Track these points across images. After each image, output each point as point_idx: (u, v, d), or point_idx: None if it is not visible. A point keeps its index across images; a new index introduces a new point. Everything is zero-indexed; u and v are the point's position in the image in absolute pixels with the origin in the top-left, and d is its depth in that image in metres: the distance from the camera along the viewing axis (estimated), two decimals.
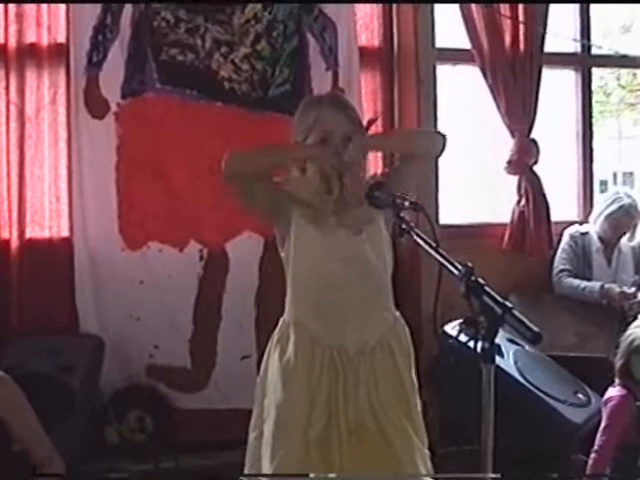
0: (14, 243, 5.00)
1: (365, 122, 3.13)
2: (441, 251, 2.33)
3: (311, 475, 2.85)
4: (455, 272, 2.20)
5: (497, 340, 4.72)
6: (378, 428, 2.89)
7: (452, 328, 4.46)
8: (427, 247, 2.38)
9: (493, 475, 2.11)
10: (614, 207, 5.58)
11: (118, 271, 5.12)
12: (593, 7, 6.18)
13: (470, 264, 2.18)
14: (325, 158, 2.92)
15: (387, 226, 3.03)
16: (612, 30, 7.71)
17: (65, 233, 5.12)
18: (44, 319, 5.01)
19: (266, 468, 2.89)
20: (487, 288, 2.11)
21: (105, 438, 5.00)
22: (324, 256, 2.95)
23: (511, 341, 4.87)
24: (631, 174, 15.34)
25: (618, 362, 4.26)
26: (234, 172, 3.05)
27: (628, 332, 4.31)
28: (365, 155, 3.07)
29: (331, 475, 2.86)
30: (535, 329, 1.98)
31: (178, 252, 5.20)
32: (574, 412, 4.66)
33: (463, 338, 2.20)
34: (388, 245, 3.07)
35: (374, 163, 5.50)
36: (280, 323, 3.06)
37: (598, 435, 4.22)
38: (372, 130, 3.22)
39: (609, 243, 5.63)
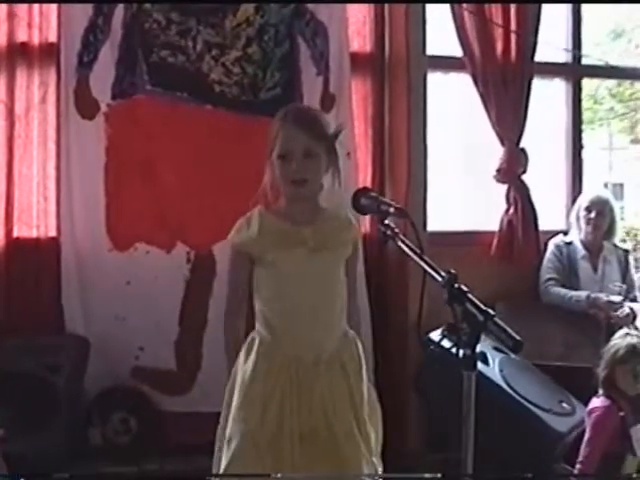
0: (1, 242, 4.99)
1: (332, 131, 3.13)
2: (425, 258, 2.34)
3: (279, 475, 2.90)
4: (438, 279, 2.21)
5: (483, 348, 4.77)
6: (329, 435, 2.95)
7: (437, 335, 4.46)
8: (411, 254, 2.38)
9: (429, 475, 2.12)
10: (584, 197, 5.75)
11: (105, 272, 5.11)
12: (584, 14, 6.20)
13: (453, 271, 2.18)
14: None
15: (350, 246, 3.13)
16: (602, 37, 7.74)
17: (52, 233, 5.11)
18: (30, 318, 4.99)
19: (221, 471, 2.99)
20: (470, 295, 2.11)
21: (89, 439, 4.99)
22: (282, 274, 3.02)
23: (497, 349, 4.88)
24: (621, 185, 15.36)
25: (602, 373, 4.28)
26: None
27: (611, 343, 4.33)
28: (327, 170, 3.09)
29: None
30: (517, 337, 1.99)
31: (165, 254, 5.19)
32: (558, 421, 4.67)
33: (446, 344, 2.20)
34: (347, 263, 3.15)
35: (363, 169, 5.54)
36: (251, 333, 3.13)
37: (583, 446, 4.23)
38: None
39: (593, 249, 5.66)
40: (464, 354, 2.10)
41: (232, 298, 3.15)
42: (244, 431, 2.94)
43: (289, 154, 2.97)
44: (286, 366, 2.97)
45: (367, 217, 4.84)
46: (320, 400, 2.96)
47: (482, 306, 2.08)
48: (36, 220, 5.08)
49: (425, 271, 2.28)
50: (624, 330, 4.50)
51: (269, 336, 3.03)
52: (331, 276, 3.07)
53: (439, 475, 2.16)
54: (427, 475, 2.11)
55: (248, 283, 3.10)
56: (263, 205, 3.11)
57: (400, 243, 2.48)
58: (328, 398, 2.97)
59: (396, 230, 2.57)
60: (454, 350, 2.13)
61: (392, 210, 2.63)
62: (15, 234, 5.04)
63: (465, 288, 2.14)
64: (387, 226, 2.60)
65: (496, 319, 2.03)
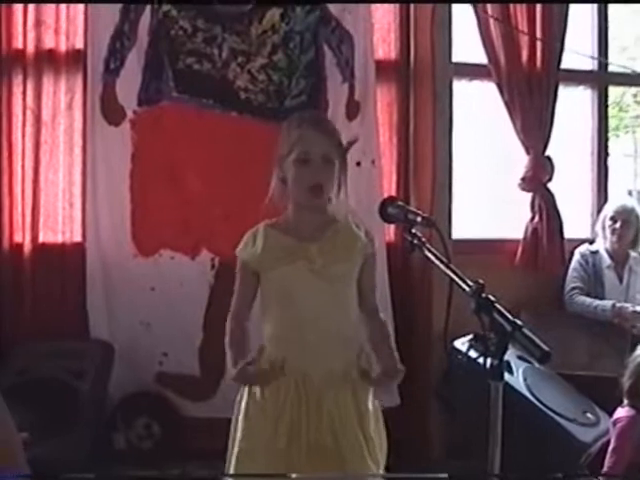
0: (27, 247, 5.03)
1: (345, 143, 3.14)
2: (452, 267, 2.33)
3: (293, 475, 2.90)
4: (466, 288, 2.20)
5: (507, 357, 4.72)
6: (337, 451, 2.93)
7: (462, 344, 4.45)
8: (438, 263, 2.37)
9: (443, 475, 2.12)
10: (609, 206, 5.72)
11: (129, 277, 5.14)
12: (610, 20, 6.17)
13: (481, 281, 2.17)
14: (254, 381, 2.97)
15: (361, 260, 3.07)
16: (628, 44, 7.70)
17: (78, 239, 5.15)
18: (55, 323, 5.02)
19: None
20: (497, 305, 2.10)
21: (112, 444, 5.01)
22: (288, 291, 3.00)
23: (521, 358, 4.85)
24: None
25: (627, 383, 4.25)
26: None
27: (636, 353, 4.30)
28: (344, 181, 3.06)
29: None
30: (544, 348, 1.98)
31: (190, 260, 5.21)
32: (583, 431, 4.65)
33: (473, 354, 2.20)
34: (361, 277, 3.09)
35: (388, 177, 5.53)
36: (257, 349, 3.11)
37: (607, 456, 4.21)
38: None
39: (619, 258, 5.63)
40: (491, 364, 2.09)
41: (236, 308, 3.13)
42: (254, 448, 2.94)
43: (309, 158, 2.95)
44: (294, 383, 2.95)
45: (391, 226, 4.84)
46: (328, 418, 2.94)
47: (510, 316, 2.07)
48: (62, 226, 5.12)
49: (452, 280, 2.28)
50: None
51: (277, 352, 3.00)
52: (338, 292, 3.02)
53: (445, 475, 2.15)
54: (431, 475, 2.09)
55: (253, 298, 3.10)
56: (270, 216, 3.09)
57: (427, 252, 2.47)
58: (336, 415, 2.95)
59: (423, 239, 2.57)
60: (481, 360, 2.12)
61: (419, 219, 2.62)
62: (41, 239, 5.08)
63: (492, 298, 2.13)
64: (414, 235, 2.59)
65: (524, 329, 2.02)
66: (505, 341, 2.05)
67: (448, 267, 2.33)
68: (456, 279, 2.25)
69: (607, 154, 6.22)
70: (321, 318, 2.97)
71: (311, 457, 2.91)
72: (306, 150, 2.95)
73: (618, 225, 5.58)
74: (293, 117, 3.16)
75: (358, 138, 5.25)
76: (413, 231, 2.60)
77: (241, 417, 3.03)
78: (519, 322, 2.04)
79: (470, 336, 3.98)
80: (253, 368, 2.91)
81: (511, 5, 5.61)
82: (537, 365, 4.88)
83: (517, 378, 4.78)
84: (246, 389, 3.04)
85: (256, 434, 2.97)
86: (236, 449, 2.99)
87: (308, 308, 2.97)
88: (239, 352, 2.96)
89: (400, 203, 2.78)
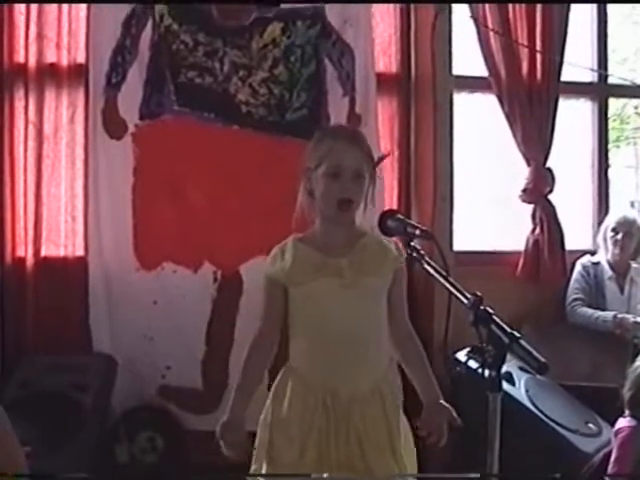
0: (29, 261, 5.03)
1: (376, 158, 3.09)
2: (451, 280, 2.34)
3: (313, 475, 2.87)
4: (464, 301, 2.21)
5: (509, 368, 4.74)
6: (366, 469, 2.88)
7: (463, 355, 4.45)
8: (437, 276, 2.39)
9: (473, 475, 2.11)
10: (610, 218, 5.76)
11: (132, 291, 5.14)
12: (610, 32, 6.19)
13: (479, 293, 2.18)
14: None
15: (391, 274, 3.01)
16: (629, 55, 7.72)
17: (80, 252, 5.15)
18: (58, 337, 5.02)
19: None
20: (495, 317, 2.11)
21: (115, 457, 5.00)
22: (317, 306, 2.95)
23: (523, 369, 4.86)
24: None
25: (627, 393, 4.25)
26: None
27: (637, 364, 4.29)
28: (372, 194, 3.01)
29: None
30: (542, 359, 1.98)
31: (192, 273, 5.21)
32: (585, 442, 4.65)
33: (474, 365, 2.20)
34: (391, 290, 3.05)
35: (389, 189, 5.54)
36: (284, 368, 3.05)
37: (609, 467, 4.21)
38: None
39: (620, 270, 5.65)
40: (489, 375, 2.09)
41: (264, 329, 3.02)
42: (283, 465, 2.89)
43: (339, 172, 2.88)
44: (322, 401, 2.90)
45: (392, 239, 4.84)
46: (356, 435, 2.89)
47: (507, 328, 2.08)
48: (64, 239, 5.13)
49: (450, 293, 2.29)
50: None
51: (305, 369, 2.96)
52: (368, 307, 2.97)
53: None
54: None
55: (282, 315, 3.01)
56: (298, 230, 3.04)
57: (426, 265, 2.48)
58: (364, 433, 2.90)
59: (422, 252, 2.58)
60: (480, 371, 2.13)
61: (418, 232, 2.62)
62: (43, 253, 5.08)
63: (490, 310, 2.14)
64: (413, 248, 2.60)
65: (521, 341, 2.02)
66: (503, 353, 2.05)
67: (447, 280, 2.34)
68: (454, 291, 2.26)
69: (608, 165, 6.24)
70: (352, 334, 2.92)
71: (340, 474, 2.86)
72: (337, 164, 2.89)
73: (620, 236, 5.59)
74: (323, 129, 3.13)
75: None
76: (412, 244, 2.61)
77: (266, 435, 2.98)
78: (517, 334, 2.05)
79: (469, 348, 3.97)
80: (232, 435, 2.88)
81: (511, 18, 5.63)
82: (539, 376, 4.88)
83: (519, 389, 4.79)
84: (271, 405, 3.00)
85: (283, 454, 2.91)
86: (264, 469, 2.94)
87: (339, 324, 2.91)
88: (243, 396, 2.95)
89: (399, 216, 2.78)
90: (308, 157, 2.99)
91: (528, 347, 2.01)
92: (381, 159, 3.10)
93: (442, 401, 3.05)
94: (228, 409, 2.93)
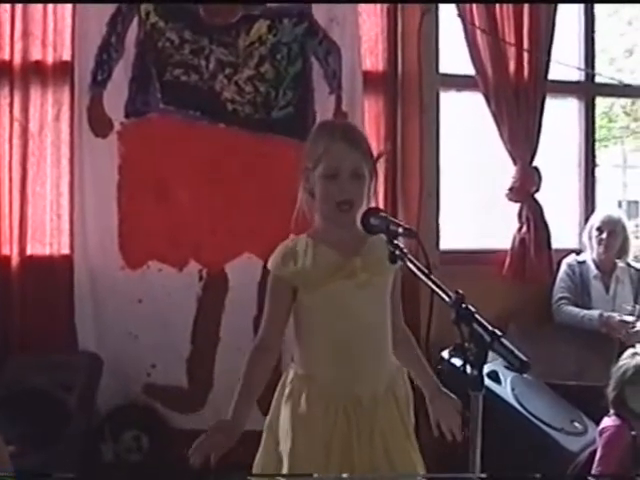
0: (15, 259, 5.01)
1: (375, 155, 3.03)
2: (433, 278, 2.32)
3: (315, 475, 2.82)
4: (446, 299, 2.20)
5: (495, 367, 4.73)
6: (390, 468, 2.85)
7: (447, 353, 4.45)
8: (419, 274, 2.37)
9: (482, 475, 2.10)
10: (596, 217, 5.77)
11: (117, 289, 5.13)
12: (598, 33, 6.20)
13: (461, 291, 2.17)
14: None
15: (395, 272, 2.97)
16: (617, 55, 7.76)
17: (65, 250, 5.13)
18: (43, 336, 5.00)
19: None
20: (477, 315, 2.10)
21: (101, 456, 4.99)
22: (333, 308, 2.86)
23: (509, 368, 4.83)
24: (636, 203, 15.29)
25: (611, 393, 4.26)
26: None
27: (620, 363, 4.30)
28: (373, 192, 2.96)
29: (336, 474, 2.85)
30: (523, 358, 1.97)
31: (178, 272, 5.20)
32: (570, 440, 4.67)
33: (457, 363, 2.19)
34: (393, 292, 3.02)
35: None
36: (291, 376, 2.95)
37: (594, 465, 4.21)
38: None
39: (605, 269, 5.67)
40: (471, 374, 2.08)
41: (267, 333, 2.90)
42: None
43: (337, 173, 2.80)
44: (342, 407, 2.84)
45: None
46: (380, 434, 2.86)
47: (489, 326, 2.06)
48: (49, 238, 5.10)
49: (433, 291, 2.28)
50: (632, 350, 4.47)
51: (321, 376, 2.87)
52: (380, 306, 2.93)
53: (475, 475, 2.14)
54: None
55: (286, 319, 2.91)
56: (297, 230, 2.95)
57: (408, 263, 2.47)
58: (387, 433, 2.87)
59: (405, 250, 2.56)
60: (464, 369, 2.11)
61: (401, 230, 2.60)
62: (28, 252, 5.06)
63: (472, 308, 2.13)
64: (396, 246, 2.58)
65: (503, 340, 2.01)
66: (484, 351, 2.04)
67: (429, 278, 2.33)
68: (436, 290, 2.25)
69: (594, 164, 6.25)
70: (368, 334, 2.88)
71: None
72: (334, 165, 2.80)
73: (604, 235, 5.60)
74: (320, 125, 3.05)
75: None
76: (395, 242, 2.60)
77: (288, 441, 2.86)
78: (498, 332, 2.04)
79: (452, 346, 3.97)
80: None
81: (498, 16, 5.64)
82: (525, 375, 4.88)
83: (505, 388, 4.79)
84: (286, 406, 2.90)
85: (307, 463, 2.81)
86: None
87: (356, 325, 2.85)
88: (247, 401, 2.82)
89: (382, 214, 2.73)
90: (306, 156, 2.90)
91: (509, 345, 1.99)
92: (380, 156, 3.05)
93: (446, 391, 3.03)
94: (231, 410, 2.80)
